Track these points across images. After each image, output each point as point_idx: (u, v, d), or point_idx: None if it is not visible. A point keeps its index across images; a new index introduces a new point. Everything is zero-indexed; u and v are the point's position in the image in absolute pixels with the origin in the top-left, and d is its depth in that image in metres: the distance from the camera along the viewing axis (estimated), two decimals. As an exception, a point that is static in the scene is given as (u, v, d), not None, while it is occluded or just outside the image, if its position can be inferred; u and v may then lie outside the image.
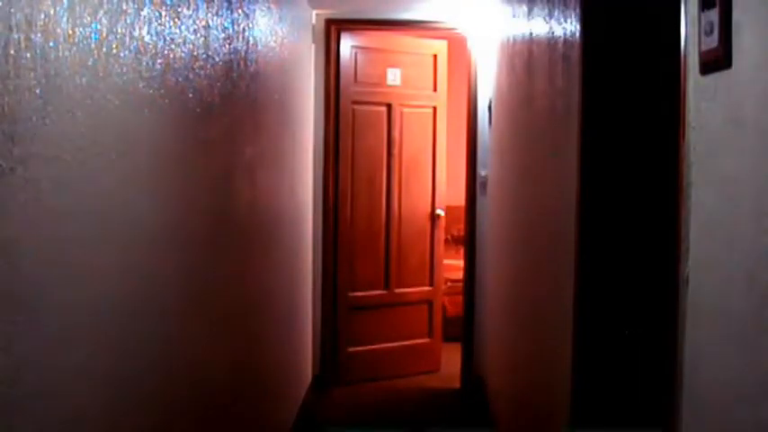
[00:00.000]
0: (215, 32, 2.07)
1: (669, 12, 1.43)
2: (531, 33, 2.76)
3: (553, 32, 2.27)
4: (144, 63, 1.49)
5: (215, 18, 2.06)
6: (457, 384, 4.58)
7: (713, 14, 1.15)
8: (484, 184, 4.34)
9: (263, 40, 2.83)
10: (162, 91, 1.61)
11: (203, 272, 2.02)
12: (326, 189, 4.41)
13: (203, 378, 2.03)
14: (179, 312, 1.78)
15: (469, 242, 4.48)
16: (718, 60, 1.15)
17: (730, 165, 1.13)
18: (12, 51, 0.97)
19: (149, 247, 1.56)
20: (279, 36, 3.17)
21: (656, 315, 1.67)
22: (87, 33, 1.21)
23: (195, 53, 1.87)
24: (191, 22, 1.82)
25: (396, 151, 4.65)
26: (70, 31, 1.15)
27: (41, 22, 1.05)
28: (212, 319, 2.12)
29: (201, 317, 2.00)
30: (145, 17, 1.48)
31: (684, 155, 1.30)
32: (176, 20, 1.70)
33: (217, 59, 2.09)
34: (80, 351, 1.21)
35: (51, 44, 1.09)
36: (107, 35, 1.29)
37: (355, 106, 4.52)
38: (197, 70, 1.89)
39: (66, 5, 1.13)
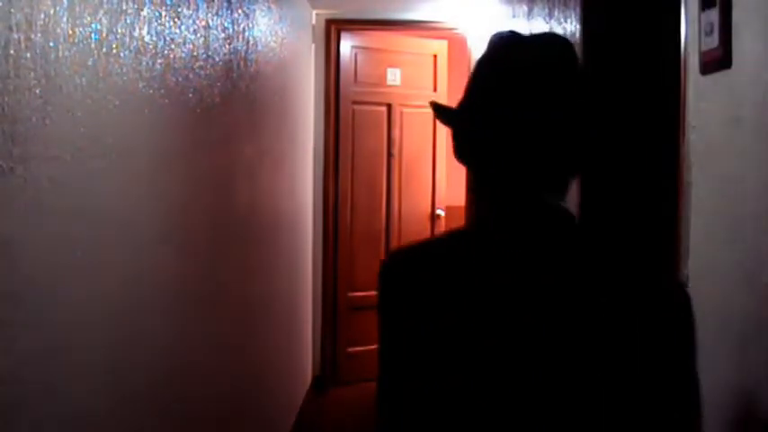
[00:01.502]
0: (215, 32, 2.07)
1: (669, 12, 1.43)
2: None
3: (553, 32, 2.27)
4: (144, 63, 1.49)
5: (215, 18, 2.06)
6: (457, 384, 4.58)
7: (713, 14, 1.15)
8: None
9: (263, 40, 2.83)
10: (162, 91, 1.61)
11: (203, 272, 2.02)
12: (326, 189, 4.41)
13: (203, 378, 2.03)
14: (179, 312, 1.78)
15: (469, 242, 4.47)
16: (718, 60, 1.15)
17: (730, 165, 1.13)
18: (12, 51, 0.97)
19: (149, 247, 1.56)
20: (279, 36, 3.17)
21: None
22: (87, 33, 1.21)
23: (195, 53, 1.87)
24: (191, 22, 1.82)
25: (396, 151, 4.65)
26: (70, 31, 1.15)
27: (41, 22, 1.05)
28: (212, 318, 2.12)
29: (202, 316, 2.00)
30: (145, 17, 1.48)
31: (684, 155, 1.30)
32: (176, 20, 1.70)
33: (217, 59, 2.09)
34: (80, 351, 1.21)
35: (51, 44, 1.09)
36: (107, 35, 1.29)
37: (355, 106, 4.52)
38: (197, 70, 1.89)
39: (66, 5, 1.13)
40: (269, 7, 2.93)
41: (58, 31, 1.11)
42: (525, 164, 0.94)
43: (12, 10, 0.97)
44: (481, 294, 0.91)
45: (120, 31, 1.35)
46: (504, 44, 1.00)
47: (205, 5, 1.95)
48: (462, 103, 0.99)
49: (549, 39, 1.01)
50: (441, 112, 1.02)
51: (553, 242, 0.93)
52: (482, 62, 1.01)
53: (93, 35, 1.23)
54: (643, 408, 0.89)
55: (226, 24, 2.19)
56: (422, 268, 0.97)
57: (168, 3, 1.64)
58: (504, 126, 0.93)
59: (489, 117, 0.94)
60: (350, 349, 4.59)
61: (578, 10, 1.92)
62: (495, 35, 1.03)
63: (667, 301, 0.92)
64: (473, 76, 1.00)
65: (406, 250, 1.02)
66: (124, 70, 1.38)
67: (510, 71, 0.95)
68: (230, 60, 2.27)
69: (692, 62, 1.26)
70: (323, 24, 4.36)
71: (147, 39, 1.50)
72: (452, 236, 1.01)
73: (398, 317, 0.97)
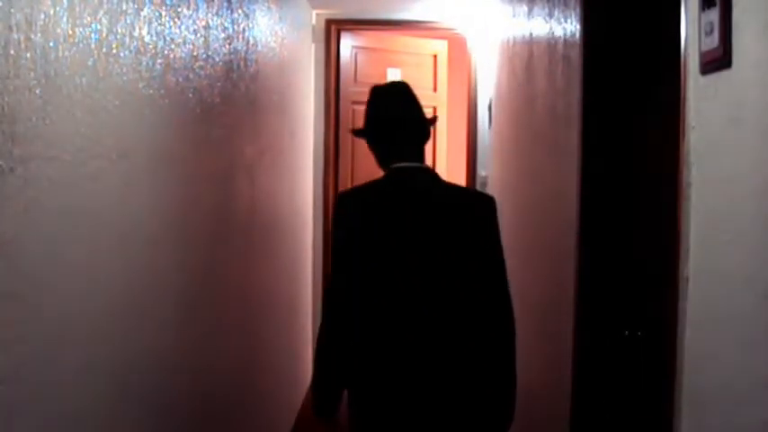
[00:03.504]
0: (215, 32, 2.07)
1: (669, 12, 1.43)
2: (531, 33, 2.76)
3: (553, 32, 2.27)
4: (144, 63, 1.49)
5: (215, 18, 2.06)
6: (457, 384, 4.57)
7: (713, 14, 1.15)
8: (484, 185, 4.34)
9: (263, 40, 2.83)
10: (162, 91, 1.61)
11: (203, 272, 2.02)
12: (326, 189, 4.41)
13: (203, 378, 2.03)
14: (179, 312, 1.78)
15: (469, 242, 4.47)
16: (718, 60, 1.15)
17: (730, 165, 1.13)
18: (12, 51, 0.97)
19: (149, 248, 1.56)
20: (279, 36, 3.17)
21: (656, 315, 1.67)
22: (87, 33, 1.21)
23: (195, 53, 1.87)
24: (191, 22, 1.82)
25: (396, 151, 4.65)
26: (70, 31, 1.15)
27: (41, 22, 1.05)
28: (212, 317, 2.12)
29: (202, 316, 2.00)
30: (145, 17, 1.48)
31: (684, 155, 1.30)
32: (176, 20, 1.70)
33: (217, 59, 2.09)
34: (80, 351, 1.21)
35: (51, 44, 1.09)
36: (107, 35, 1.29)
37: (355, 106, 4.52)
38: (197, 70, 1.89)
39: (66, 5, 1.13)
40: (269, 7, 2.93)
41: (58, 31, 1.11)
42: (397, 148, 1.86)
43: (12, 10, 0.97)
44: (381, 209, 1.81)
45: (120, 31, 1.35)
46: (380, 90, 2.02)
47: (205, 5, 1.95)
48: (365, 125, 1.96)
49: (400, 84, 2.03)
50: (356, 132, 1.99)
51: (417, 180, 1.84)
52: (370, 102, 2.00)
53: (93, 35, 1.23)
54: (477, 270, 1.77)
55: (226, 24, 2.19)
56: (354, 197, 1.89)
57: (168, 3, 1.64)
58: (384, 130, 1.90)
59: (377, 127, 1.92)
60: (350, 349, 4.58)
61: (578, 10, 1.92)
62: (374, 87, 2.04)
63: (484, 203, 1.84)
64: (366, 110, 1.99)
65: (350, 189, 2.00)
66: (124, 70, 1.38)
67: (383, 105, 1.95)
68: (230, 60, 2.27)
69: (692, 62, 1.26)
70: (323, 24, 4.36)
71: (147, 39, 1.50)
72: (372, 182, 1.89)
73: (342, 221, 1.83)
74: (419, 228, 1.76)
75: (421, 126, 1.89)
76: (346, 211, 1.82)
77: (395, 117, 1.88)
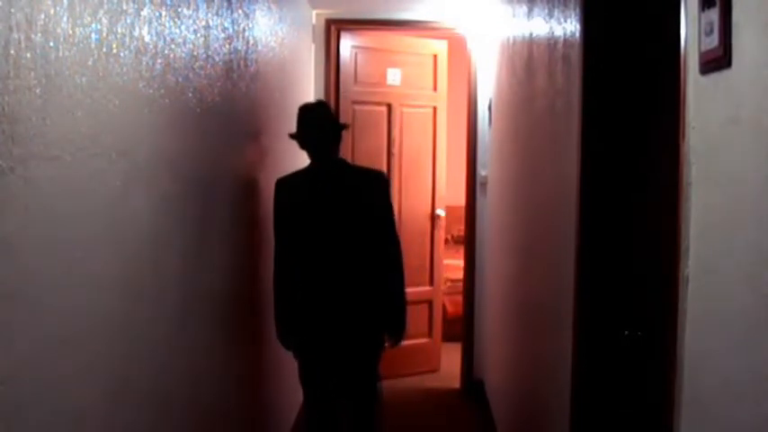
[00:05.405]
0: (215, 32, 2.07)
1: (669, 12, 1.43)
2: (531, 33, 2.76)
3: (553, 32, 2.27)
4: (144, 63, 1.49)
5: (215, 18, 2.06)
6: (457, 385, 4.58)
7: (713, 14, 1.15)
8: (484, 184, 4.34)
9: (263, 40, 2.83)
10: (162, 91, 1.61)
11: (203, 272, 2.02)
12: (326, 189, 4.41)
13: (203, 378, 2.03)
14: (179, 313, 1.78)
15: (469, 242, 4.48)
16: (718, 60, 1.15)
17: (730, 165, 1.13)
18: (12, 51, 0.97)
19: (149, 248, 1.56)
20: (279, 36, 3.17)
21: (656, 315, 1.66)
22: (87, 33, 1.21)
23: (195, 53, 1.87)
24: (191, 22, 1.82)
25: (396, 151, 4.65)
26: (70, 31, 1.15)
27: (41, 22, 1.05)
28: (212, 318, 2.12)
29: (202, 317, 2.00)
30: (145, 17, 1.49)
31: (684, 155, 1.30)
32: (176, 20, 1.70)
33: (217, 59, 2.09)
34: (80, 351, 1.22)
35: (51, 44, 1.09)
36: (107, 35, 1.29)
37: (355, 106, 4.52)
38: (197, 70, 1.89)
39: (66, 5, 1.13)
40: (269, 7, 2.93)
41: (58, 31, 1.11)
42: (319, 145, 2.74)
43: (12, 10, 0.97)
44: (304, 191, 2.73)
45: (120, 31, 1.35)
46: (306, 107, 2.84)
47: (205, 5, 1.95)
48: (297, 132, 2.77)
49: (320, 103, 3.00)
50: (291, 136, 2.79)
51: (332, 166, 2.76)
52: (299, 116, 2.78)
53: (93, 35, 1.23)
54: (373, 224, 2.73)
55: (226, 24, 2.19)
56: (286, 182, 2.76)
57: (168, 3, 1.64)
58: (310, 135, 2.75)
59: (306, 133, 2.76)
60: (350, 349, 4.57)
61: (578, 10, 1.92)
62: (301, 106, 2.84)
63: (376, 177, 2.83)
64: (298, 122, 2.77)
65: (283, 176, 2.79)
66: (124, 70, 1.38)
67: (308, 118, 2.78)
68: (230, 60, 2.27)
69: (691, 62, 1.26)
70: (323, 24, 4.36)
71: (147, 39, 1.50)
72: (300, 170, 2.79)
73: (276, 201, 2.72)
74: (334, 196, 2.67)
75: (335, 130, 2.76)
76: (286, 189, 2.71)
77: (317, 125, 2.72)
